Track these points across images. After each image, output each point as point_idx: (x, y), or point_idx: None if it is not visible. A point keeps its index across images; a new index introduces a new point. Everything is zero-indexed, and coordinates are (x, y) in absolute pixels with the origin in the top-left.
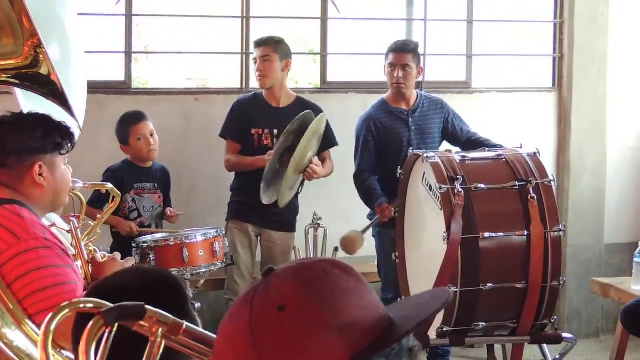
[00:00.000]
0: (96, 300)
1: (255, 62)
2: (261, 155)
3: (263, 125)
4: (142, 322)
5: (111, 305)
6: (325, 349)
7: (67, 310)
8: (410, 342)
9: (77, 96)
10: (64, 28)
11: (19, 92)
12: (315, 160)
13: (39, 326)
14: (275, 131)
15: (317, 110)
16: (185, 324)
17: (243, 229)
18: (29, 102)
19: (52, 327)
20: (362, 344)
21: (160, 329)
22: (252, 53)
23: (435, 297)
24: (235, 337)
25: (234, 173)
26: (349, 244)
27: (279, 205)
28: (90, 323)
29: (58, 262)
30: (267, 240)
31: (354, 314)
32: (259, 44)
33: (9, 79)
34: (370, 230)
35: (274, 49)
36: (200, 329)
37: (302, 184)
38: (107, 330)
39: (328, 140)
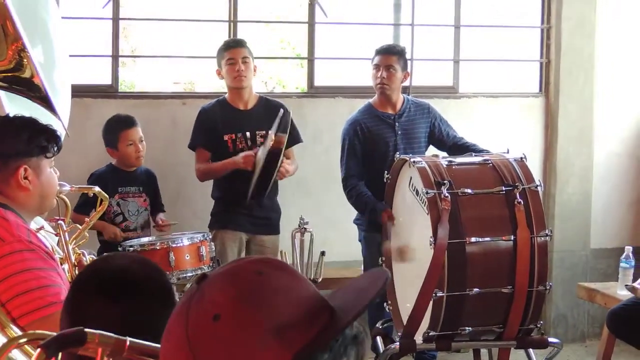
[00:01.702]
0: (35, 332)
1: (234, 64)
2: (231, 158)
3: (236, 130)
4: (85, 346)
5: (51, 334)
6: (265, 353)
7: (6, 349)
8: (354, 330)
9: (61, 98)
10: (47, 31)
11: (2, 95)
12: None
13: (22, 329)
14: (248, 134)
15: (280, 106)
16: (129, 340)
17: (235, 236)
18: (13, 105)
19: None
20: (302, 342)
21: (104, 350)
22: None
23: (374, 281)
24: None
25: (212, 181)
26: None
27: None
28: (33, 358)
29: (42, 265)
30: (259, 244)
31: (291, 313)
32: (238, 44)
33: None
34: (357, 234)
35: (249, 51)
36: (147, 342)
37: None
38: None
39: (293, 137)
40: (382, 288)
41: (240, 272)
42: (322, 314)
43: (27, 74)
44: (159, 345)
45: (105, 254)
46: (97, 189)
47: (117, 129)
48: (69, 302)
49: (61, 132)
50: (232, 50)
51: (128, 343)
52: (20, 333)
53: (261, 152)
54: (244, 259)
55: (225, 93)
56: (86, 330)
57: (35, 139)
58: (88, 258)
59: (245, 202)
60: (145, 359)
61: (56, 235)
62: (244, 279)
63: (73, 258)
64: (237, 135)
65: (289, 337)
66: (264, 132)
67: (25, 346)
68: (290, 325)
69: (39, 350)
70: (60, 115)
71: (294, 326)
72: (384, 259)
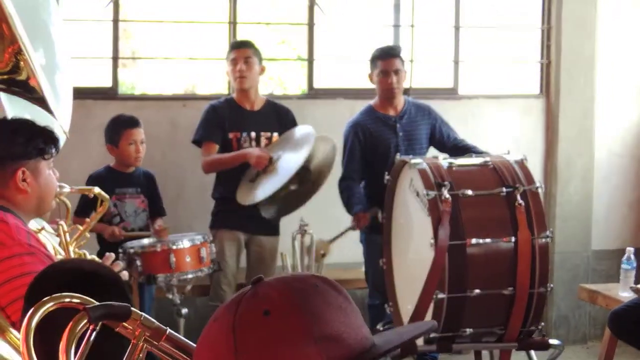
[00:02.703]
0: (82, 296)
1: (235, 63)
2: (243, 150)
3: (241, 129)
4: (125, 324)
5: (94, 302)
6: (304, 357)
7: (52, 303)
8: None
9: (63, 101)
10: (48, 33)
11: (3, 97)
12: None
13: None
14: (253, 134)
15: (288, 112)
16: (169, 330)
17: (234, 237)
18: (14, 107)
19: (35, 320)
20: (341, 358)
21: (143, 333)
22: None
23: (418, 326)
24: (216, 338)
25: (213, 184)
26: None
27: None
28: (74, 318)
29: (42, 268)
30: (257, 245)
31: (338, 329)
32: (240, 45)
33: None
34: (358, 235)
35: (254, 52)
36: (183, 338)
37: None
38: (90, 328)
39: None
40: (424, 332)
41: (298, 280)
42: (364, 341)
43: (23, 76)
44: (194, 345)
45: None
46: (97, 189)
47: (120, 127)
48: (27, 304)
49: (60, 134)
50: (235, 50)
51: (167, 333)
52: (19, 336)
53: (279, 158)
54: (304, 273)
55: (225, 95)
56: (132, 309)
57: (33, 141)
58: (89, 258)
59: (241, 204)
60: (177, 352)
61: (57, 236)
62: (300, 286)
63: None
64: (242, 134)
65: (329, 349)
66: (269, 134)
67: (15, 333)
68: (335, 339)
69: (82, 312)
70: (61, 118)
71: (337, 343)
72: (384, 260)
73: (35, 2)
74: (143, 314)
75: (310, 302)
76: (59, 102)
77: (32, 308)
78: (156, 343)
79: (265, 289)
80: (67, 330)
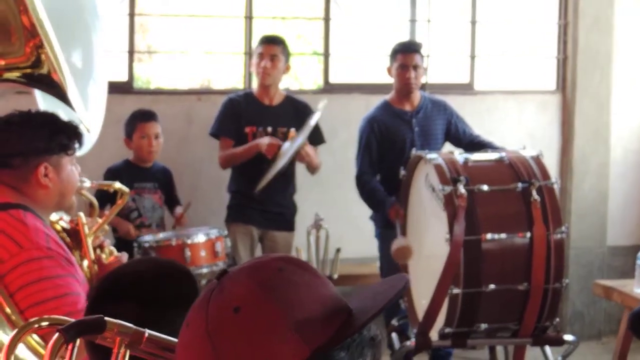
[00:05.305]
0: (54, 317)
1: (261, 59)
2: (255, 141)
3: (257, 123)
4: (104, 334)
5: (71, 320)
6: (283, 347)
7: (24, 331)
8: (371, 332)
9: (93, 106)
10: (89, 36)
11: (37, 92)
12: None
13: (42, 337)
14: (270, 129)
15: (307, 108)
16: (148, 332)
17: (247, 231)
18: (47, 101)
19: (14, 349)
20: (320, 338)
21: (122, 340)
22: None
23: (393, 286)
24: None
25: (229, 175)
26: (407, 252)
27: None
28: (51, 341)
29: (60, 272)
30: (271, 240)
31: (310, 309)
32: (269, 41)
33: (17, 78)
34: (373, 230)
35: (282, 50)
36: (165, 336)
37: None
38: (70, 347)
39: (317, 138)
40: (400, 292)
41: (262, 268)
42: (341, 313)
43: (44, 70)
44: (175, 340)
45: (126, 262)
46: (117, 184)
47: (135, 121)
48: (92, 303)
49: (84, 131)
50: (263, 46)
51: (146, 335)
52: (39, 341)
53: (286, 148)
54: (266, 256)
55: (241, 89)
56: (106, 318)
57: (57, 137)
58: (108, 250)
59: (252, 192)
60: (162, 352)
61: (75, 227)
62: (265, 274)
63: (92, 253)
64: (258, 129)
65: (308, 333)
66: (285, 129)
67: (35, 336)
68: (310, 321)
69: (57, 334)
70: (89, 121)
71: (313, 322)
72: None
73: (80, 4)
74: (118, 321)
75: (278, 289)
76: (88, 106)
77: (12, 335)
78: (138, 347)
79: (231, 283)
80: (47, 352)
